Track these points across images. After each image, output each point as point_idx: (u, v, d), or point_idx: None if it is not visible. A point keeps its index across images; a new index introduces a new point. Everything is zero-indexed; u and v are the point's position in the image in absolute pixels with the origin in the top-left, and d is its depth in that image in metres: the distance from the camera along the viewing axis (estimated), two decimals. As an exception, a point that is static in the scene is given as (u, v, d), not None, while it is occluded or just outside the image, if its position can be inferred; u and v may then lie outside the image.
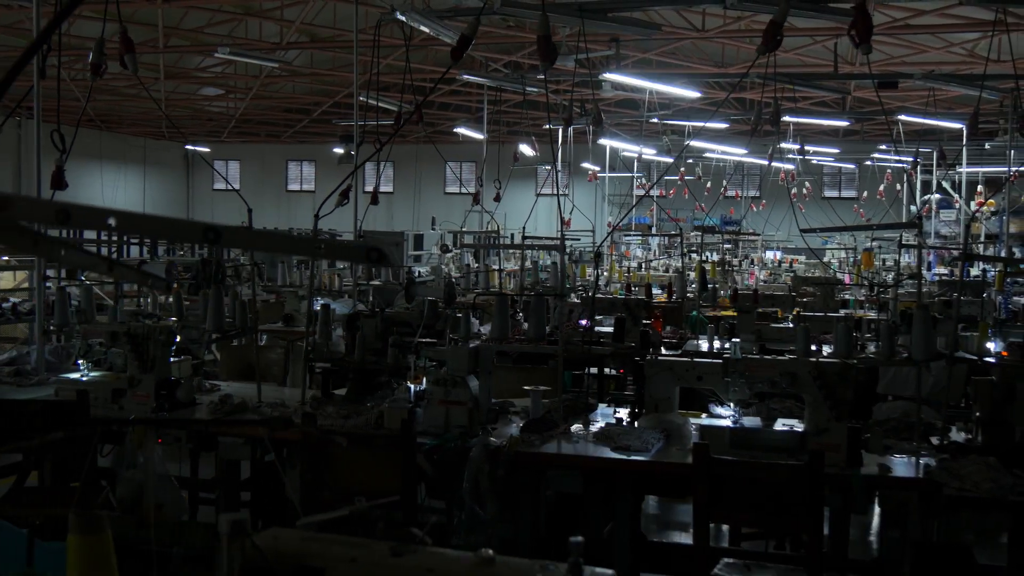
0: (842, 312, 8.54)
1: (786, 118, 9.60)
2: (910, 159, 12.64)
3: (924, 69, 12.05)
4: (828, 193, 24.96)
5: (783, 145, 12.18)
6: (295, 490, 4.41)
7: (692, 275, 9.81)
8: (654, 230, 18.74)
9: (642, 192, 18.15)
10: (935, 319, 4.87)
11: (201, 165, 31.22)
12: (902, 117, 12.49)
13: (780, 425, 3.93)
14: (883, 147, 18.36)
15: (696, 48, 15.70)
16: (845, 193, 25.46)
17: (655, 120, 14.36)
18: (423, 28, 7.90)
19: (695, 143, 16.82)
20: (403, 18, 7.34)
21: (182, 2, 13.58)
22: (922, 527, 4.04)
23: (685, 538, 5.91)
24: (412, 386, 4.32)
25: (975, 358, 4.56)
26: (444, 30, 7.96)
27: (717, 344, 7.45)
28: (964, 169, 12.77)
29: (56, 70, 5.02)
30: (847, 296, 9.96)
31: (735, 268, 12.98)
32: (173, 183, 30.21)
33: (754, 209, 19.65)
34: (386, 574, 1.35)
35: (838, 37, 11.90)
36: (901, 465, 3.76)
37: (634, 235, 18.02)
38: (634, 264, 14.18)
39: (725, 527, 5.37)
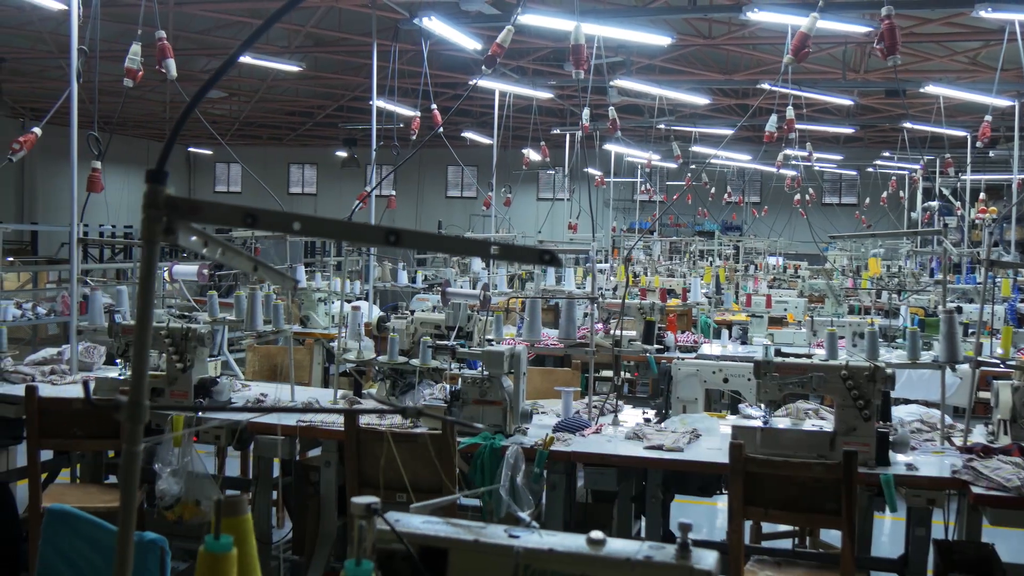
0: (848, 318, 8.65)
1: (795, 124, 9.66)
2: (916, 166, 12.77)
3: (927, 77, 12.19)
4: (828, 199, 25.13)
5: (788, 151, 12.30)
6: (330, 487, 4.50)
7: (701, 280, 9.91)
8: (656, 235, 18.87)
9: (645, 197, 18.29)
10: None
11: (203, 168, 31.31)
12: (907, 125, 12.62)
13: (809, 426, 4.04)
14: (886, 154, 18.51)
15: (701, 54, 15.83)
16: (845, 200, 25.62)
17: (661, 126, 14.48)
18: (443, 34, 8.00)
19: (699, 148, 16.96)
20: (424, 23, 7.44)
21: (193, 7, 13.66)
22: (946, 525, 4.15)
23: (701, 538, 6.02)
24: (448, 386, 4.42)
25: (998, 361, 4.68)
26: (465, 36, 8.06)
27: (731, 348, 7.58)
28: (968, 176, 12.91)
29: (92, 75, 5.12)
30: (853, 302, 10.07)
31: (740, 273, 13.09)
32: (175, 185, 30.21)
33: (756, 215, 19.80)
34: (509, 553, 1.44)
35: (846, 45, 12.05)
36: (927, 465, 3.87)
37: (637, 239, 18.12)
38: (639, 269, 14.27)
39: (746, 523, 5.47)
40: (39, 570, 2.57)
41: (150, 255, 1.15)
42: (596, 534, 1.49)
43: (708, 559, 1.46)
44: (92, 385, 4.83)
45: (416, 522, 1.58)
